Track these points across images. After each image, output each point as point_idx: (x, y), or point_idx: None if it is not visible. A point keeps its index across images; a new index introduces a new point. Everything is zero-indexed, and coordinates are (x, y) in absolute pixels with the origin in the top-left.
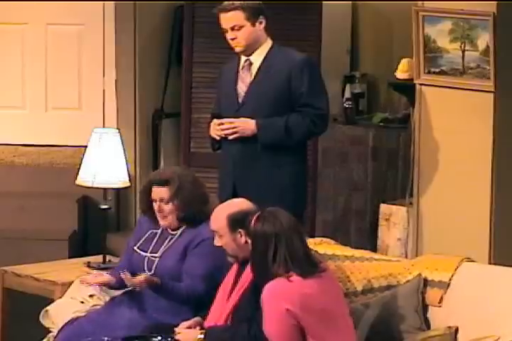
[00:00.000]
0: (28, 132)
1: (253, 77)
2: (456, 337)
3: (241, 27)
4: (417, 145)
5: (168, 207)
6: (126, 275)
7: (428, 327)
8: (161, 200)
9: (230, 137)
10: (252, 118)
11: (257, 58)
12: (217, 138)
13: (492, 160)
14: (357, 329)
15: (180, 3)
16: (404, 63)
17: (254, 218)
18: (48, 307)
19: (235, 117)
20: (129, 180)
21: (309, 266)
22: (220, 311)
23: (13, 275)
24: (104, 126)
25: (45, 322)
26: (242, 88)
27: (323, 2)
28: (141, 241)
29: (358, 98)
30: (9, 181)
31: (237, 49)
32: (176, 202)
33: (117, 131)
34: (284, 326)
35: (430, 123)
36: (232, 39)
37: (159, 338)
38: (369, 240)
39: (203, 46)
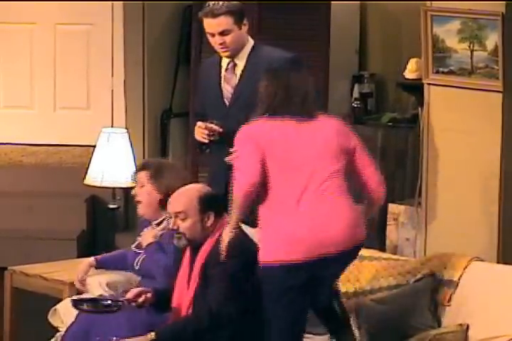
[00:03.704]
0: (37, 132)
1: (238, 78)
2: (467, 335)
3: (230, 31)
4: (426, 145)
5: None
6: None
7: (438, 326)
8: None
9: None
10: (241, 119)
11: (241, 59)
12: (205, 140)
13: (500, 160)
14: (368, 325)
15: (188, 3)
16: (412, 63)
17: None
18: (56, 306)
19: (224, 119)
20: None
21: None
22: (182, 300)
23: (21, 275)
24: (112, 126)
25: (54, 320)
26: (228, 90)
27: (332, 2)
28: (137, 241)
29: (366, 98)
30: (18, 181)
31: (225, 53)
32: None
33: (126, 130)
34: (255, 158)
35: (438, 123)
36: (221, 44)
37: (109, 302)
38: (377, 240)
39: (212, 46)
